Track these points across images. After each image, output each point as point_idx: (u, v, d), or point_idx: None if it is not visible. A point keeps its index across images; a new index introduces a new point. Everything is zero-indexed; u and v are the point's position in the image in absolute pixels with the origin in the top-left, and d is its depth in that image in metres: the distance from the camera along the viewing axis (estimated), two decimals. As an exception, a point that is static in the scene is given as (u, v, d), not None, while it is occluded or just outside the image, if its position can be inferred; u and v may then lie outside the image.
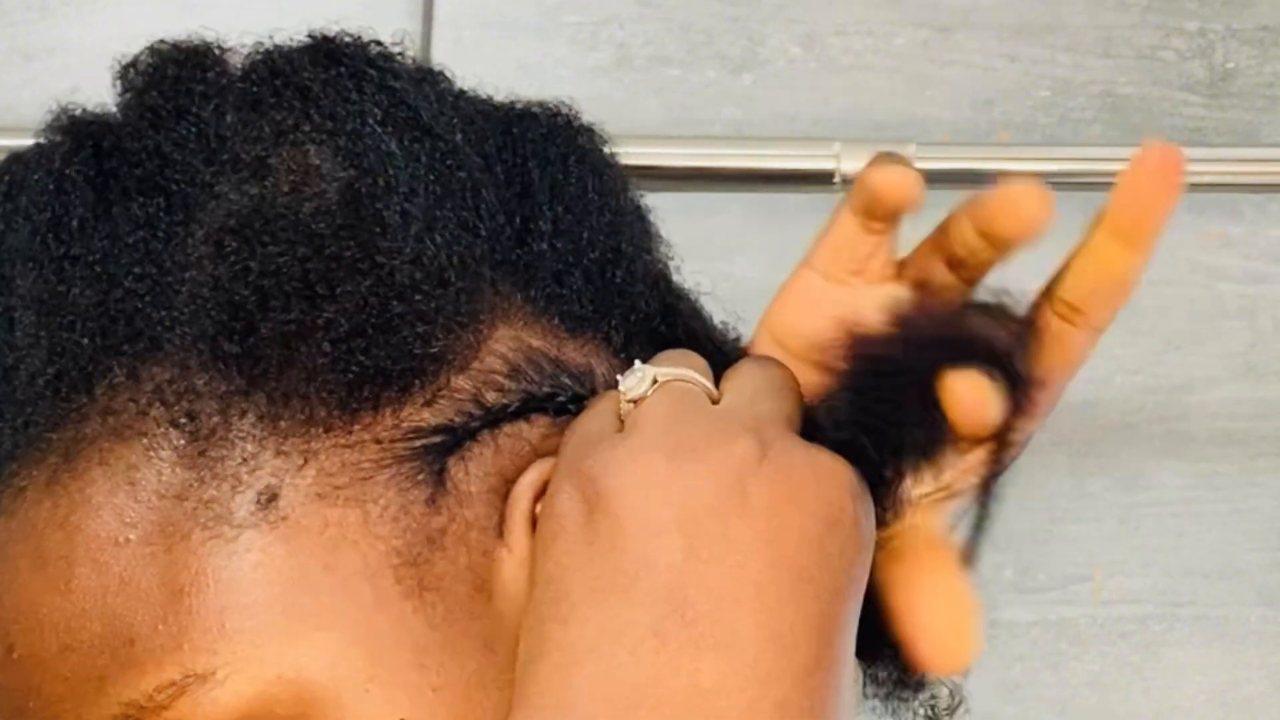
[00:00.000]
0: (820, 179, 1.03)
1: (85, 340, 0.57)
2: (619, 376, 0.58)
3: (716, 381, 0.59)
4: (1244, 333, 1.18)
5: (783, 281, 0.66)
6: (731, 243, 1.09)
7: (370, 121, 0.59)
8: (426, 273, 0.57)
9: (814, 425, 0.57)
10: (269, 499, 0.55)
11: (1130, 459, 1.18)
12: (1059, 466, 1.19)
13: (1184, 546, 1.19)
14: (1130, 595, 1.19)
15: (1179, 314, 1.18)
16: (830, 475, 0.55)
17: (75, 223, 0.58)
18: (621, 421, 0.57)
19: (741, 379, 0.58)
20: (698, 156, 1.00)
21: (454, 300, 0.58)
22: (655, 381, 0.57)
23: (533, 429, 0.58)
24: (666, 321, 0.64)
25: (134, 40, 0.64)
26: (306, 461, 0.55)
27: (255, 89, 0.60)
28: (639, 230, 0.65)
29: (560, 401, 0.59)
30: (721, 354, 0.63)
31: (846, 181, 1.03)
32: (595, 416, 0.57)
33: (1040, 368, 0.60)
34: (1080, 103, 1.17)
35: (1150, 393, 1.18)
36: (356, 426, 0.56)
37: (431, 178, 0.59)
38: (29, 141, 0.63)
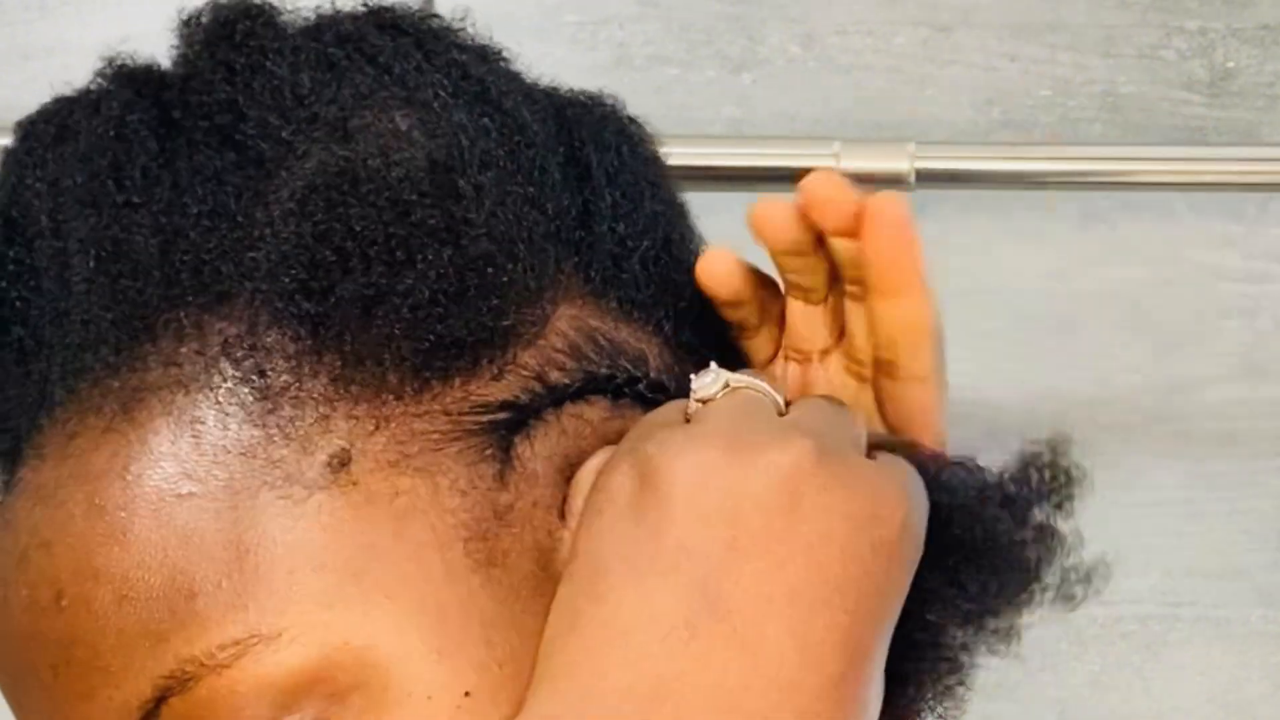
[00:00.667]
0: (820, 178, 1.03)
1: (148, 288, 0.56)
2: (692, 376, 0.58)
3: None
4: (1244, 332, 1.18)
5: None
6: (731, 242, 1.09)
7: (441, 92, 0.59)
8: (499, 246, 0.57)
9: None
10: (341, 462, 0.55)
11: (1130, 459, 1.18)
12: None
13: (1184, 546, 1.19)
14: (1131, 595, 1.19)
15: (1179, 313, 1.18)
16: (886, 490, 0.55)
17: (138, 171, 0.58)
18: (688, 418, 0.57)
19: (812, 401, 0.59)
20: (697, 156, 1.00)
21: (523, 275, 0.58)
22: (727, 385, 0.57)
23: (593, 410, 0.59)
24: (708, 313, 0.64)
25: (133, 39, 0.64)
26: (378, 427, 0.55)
27: (329, 50, 0.60)
28: (684, 222, 0.65)
29: (618, 384, 0.59)
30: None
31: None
32: (663, 411, 0.58)
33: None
34: (1081, 102, 1.17)
35: (1150, 392, 1.18)
36: (426, 396, 0.56)
37: (501, 152, 0.59)
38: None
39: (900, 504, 0.55)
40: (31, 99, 1.11)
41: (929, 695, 0.59)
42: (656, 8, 1.16)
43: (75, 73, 0.64)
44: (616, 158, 0.63)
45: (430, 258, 0.56)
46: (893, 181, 1.04)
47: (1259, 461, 1.19)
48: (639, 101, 0.67)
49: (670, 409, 0.58)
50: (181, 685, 0.53)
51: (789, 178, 1.06)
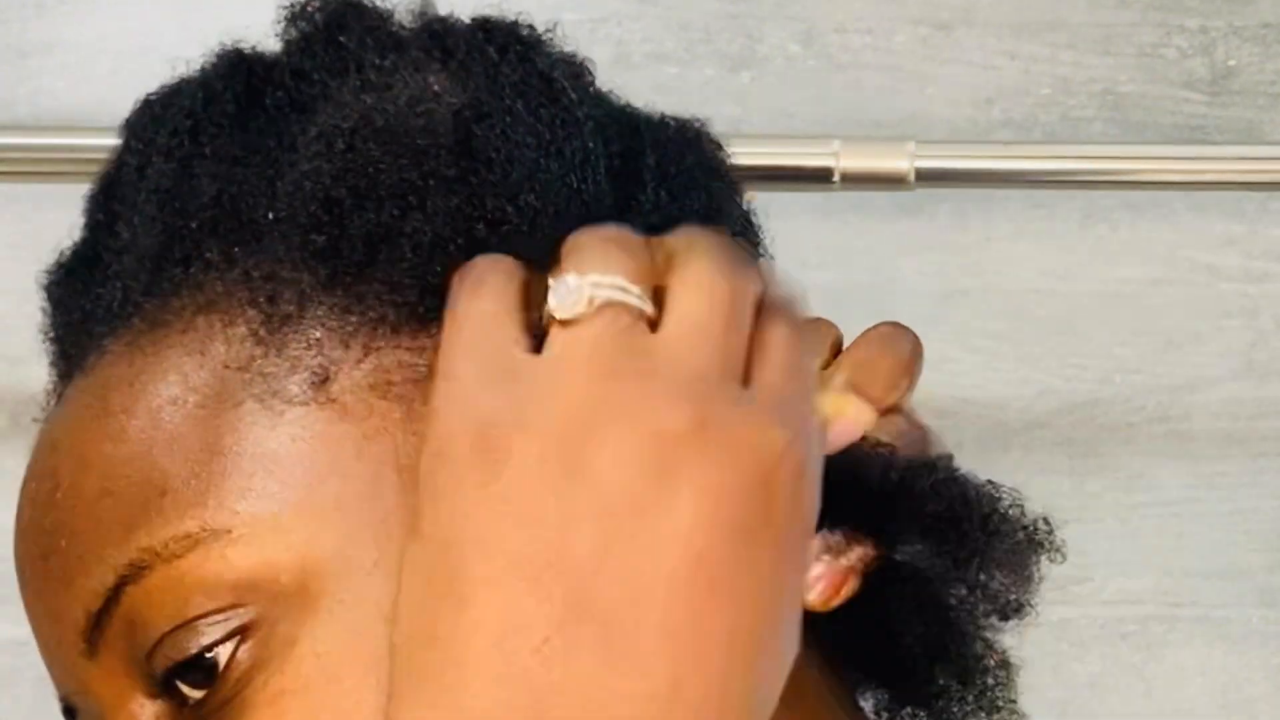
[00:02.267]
0: (819, 177, 1.03)
1: (193, 224, 0.59)
2: (550, 281, 0.52)
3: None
4: (1245, 332, 1.18)
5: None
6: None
7: (502, 80, 0.60)
8: (515, 207, 0.58)
9: None
10: (321, 380, 0.56)
11: (1131, 459, 1.18)
12: (1059, 466, 1.18)
13: (1185, 547, 1.19)
14: (1131, 596, 1.19)
15: (1180, 313, 1.18)
16: (776, 450, 0.50)
17: (212, 128, 0.61)
18: (535, 338, 0.52)
19: (684, 301, 0.52)
20: (696, 154, 1.00)
21: (538, 236, 0.57)
22: (590, 302, 0.52)
23: None
24: None
25: (130, 37, 0.64)
26: (366, 356, 0.57)
27: (404, 33, 0.62)
28: (738, 236, 0.64)
29: None
30: None
31: (845, 179, 1.03)
32: (499, 320, 0.53)
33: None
34: (1081, 100, 1.17)
35: (1151, 392, 1.18)
36: (422, 334, 0.57)
37: (548, 137, 0.60)
38: (27, 139, 0.64)
39: (791, 458, 0.50)
40: (27, 97, 1.11)
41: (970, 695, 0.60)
42: (655, 6, 1.16)
43: (72, 70, 0.64)
44: (675, 161, 0.63)
45: (439, 204, 0.57)
46: (892, 180, 1.04)
47: (1260, 461, 1.19)
48: (637, 100, 0.67)
49: (504, 317, 0.53)
50: (137, 574, 0.55)
51: (788, 177, 1.06)
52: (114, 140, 0.64)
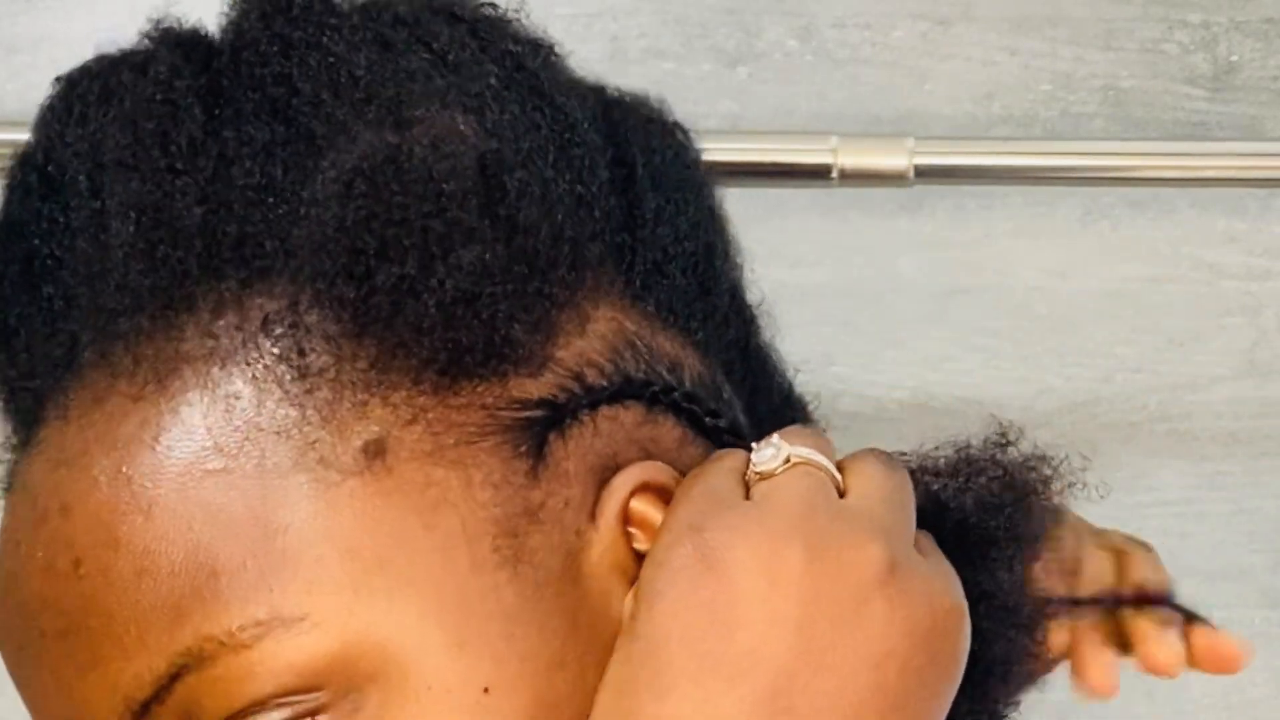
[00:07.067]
0: (817, 173, 1.02)
1: (189, 258, 0.56)
2: (753, 445, 0.58)
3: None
4: (1248, 330, 1.18)
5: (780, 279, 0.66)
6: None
7: (495, 84, 0.59)
8: (542, 244, 0.57)
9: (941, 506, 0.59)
10: (377, 450, 0.54)
11: (1132, 458, 1.17)
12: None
13: (1187, 547, 1.18)
14: (1132, 597, 1.19)
15: (1181, 311, 1.17)
16: (944, 599, 0.55)
17: (184, 138, 0.57)
18: (747, 488, 0.57)
19: (867, 479, 0.58)
20: (693, 151, 0.99)
21: (565, 275, 0.58)
22: (788, 461, 0.57)
23: (628, 414, 0.58)
24: (743, 329, 0.63)
25: (119, 31, 0.63)
26: (415, 418, 0.55)
27: (385, 31, 0.59)
28: (724, 233, 0.65)
29: (654, 391, 0.59)
30: (781, 378, 0.63)
31: (844, 175, 1.02)
32: (720, 474, 0.57)
33: None
34: (1082, 96, 1.16)
35: (1152, 391, 1.18)
36: (464, 389, 0.56)
37: (552, 148, 0.59)
38: (16, 136, 0.62)
39: (955, 615, 0.55)
40: (15, 92, 1.10)
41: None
42: (651, 1, 1.15)
43: (61, 65, 0.63)
44: (661, 161, 0.63)
45: (467, 253, 0.56)
46: (891, 177, 1.03)
47: (1262, 461, 1.18)
48: (633, 95, 0.66)
49: (726, 474, 0.57)
50: (198, 662, 0.53)
51: (786, 173, 1.06)
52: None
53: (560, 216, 0.58)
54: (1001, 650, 0.60)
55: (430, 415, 0.55)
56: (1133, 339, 1.17)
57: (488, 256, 0.56)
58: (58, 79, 0.61)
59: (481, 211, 0.56)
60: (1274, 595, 1.19)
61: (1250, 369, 1.18)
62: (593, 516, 0.57)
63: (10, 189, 0.61)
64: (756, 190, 1.03)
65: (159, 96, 0.58)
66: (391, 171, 0.56)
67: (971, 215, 1.15)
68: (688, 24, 1.15)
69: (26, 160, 0.60)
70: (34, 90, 0.64)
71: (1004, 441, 0.62)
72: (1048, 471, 0.62)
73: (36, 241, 0.59)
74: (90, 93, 0.60)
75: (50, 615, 0.55)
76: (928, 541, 0.58)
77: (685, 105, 0.99)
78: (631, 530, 0.57)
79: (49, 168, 0.59)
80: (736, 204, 0.64)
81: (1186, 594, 1.21)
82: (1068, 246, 1.17)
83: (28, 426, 0.59)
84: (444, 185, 0.56)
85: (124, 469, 0.54)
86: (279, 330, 0.55)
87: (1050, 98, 1.16)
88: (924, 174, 1.03)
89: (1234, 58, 1.16)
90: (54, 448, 0.56)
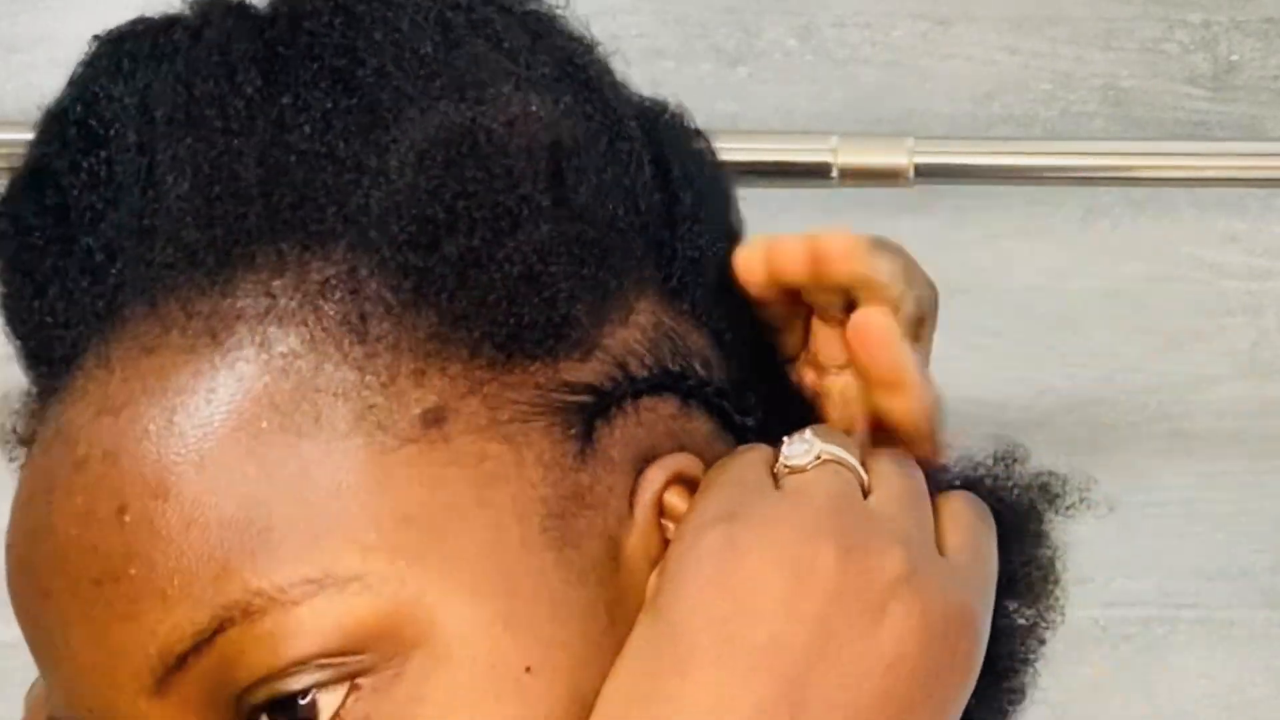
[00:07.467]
0: (817, 173, 1.03)
1: (249, 216, 0.56)
2: (785, 439, 0.58)
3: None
4: (1248, 330, 1.18)
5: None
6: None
7: (549, 72, 0.60)
8: (597, 231, 0.58)
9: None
10: (436, 418, 0.55)
11: (1133, 458, 1.17)
12: (1059, 467, 1.17)
13: (1187, 548, 1.19)
14: (1132, 597, 1.19)
15: (1182, 311, 1.17)
16: (959, 607, 0.56)
17: (242, 101, 0.57)
18: (776, 480, 0.58)
19: (888, 480, 0.59)
20: (693, 150, 0.99)
21: (615, 263, 0.58)
22: (819, 458, 0.58)
23: (665, 406, 0.59)
24: (753, 329, 0.64)
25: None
26: (471, 390, 0.55)
27: (445, 14, 0.60)
28: (741, 238, 0.65)
29: (689, 385, 0.59)
30: (781, 376, 0.64)
31: (844, 175, 1.02)
32: (750, 465, 0.58)
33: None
34: (1082, 96, 1.16)
35: (1153, 391, 1.18)
36: (519, 367, 0.56)
37: (603, 141, 0.59)
38: (16, 135, 0.62)
39: (970, 623, 0.56)
40: (15, 92, 1.10)
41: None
42: (651, 0, 1.15)
43: (61, 65, 0.63)
44: (692, 161, 0.64)
45: (535, 232, 0.56)
46: (891, 176, 1.03)
47: (1263, 461, 1.18)
48: (634, 96, 0.67)
49: (756, 463, 0.58)
50: (244, 617, 0.53)
51: (786, 173, 1.06)
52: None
53: (612, 207, 0.58)
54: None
55: (486, 389, 0.55)
56: (1133, 339, 1.17)
57: (554, 236, 0.56)
58: (96, 37, 0.61)
59: (551, 192, 0.57)
60: (1275, 595, 1.19)
61: (1250, 369, 1.18)
62: (632, 506, 0.57)
63: (41, 142, 0.60)
64: (756, 190, 1.04)
65: (216, 58, 0.58)
66: (469, 145, 0.56)
67: (971, 215, 1.15)
68: (687, 23, 1.15)
69: (61, 114, 0.60)
70: (34, 90, 0.63)
71: (1011, 459, 0.64)
72: (1056, 490, 0.65)
73: (76, 193, 0.58)
74: (140, 50, 0.60)
75: (87, 562, 0.54)
76: (963, 521, 0.59)
77: (685, 105, 0.98)
78: (664, 522, 0.57)
79: (91, 120, 0.59)
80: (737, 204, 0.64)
81: (1187, 594, 1.22)
82: (1068, 246, 1.17)
83: (56, 375, 0.58)
84: (518, 163, 0.57)
85: (175, 419, 0.54)
86: (339, 294, 0.55)
87: (1050, 97, 1.16)
88: (924, 173, 1.03)
89: (1234, 57, 1.16)
90: (95, 395, 0.56)
